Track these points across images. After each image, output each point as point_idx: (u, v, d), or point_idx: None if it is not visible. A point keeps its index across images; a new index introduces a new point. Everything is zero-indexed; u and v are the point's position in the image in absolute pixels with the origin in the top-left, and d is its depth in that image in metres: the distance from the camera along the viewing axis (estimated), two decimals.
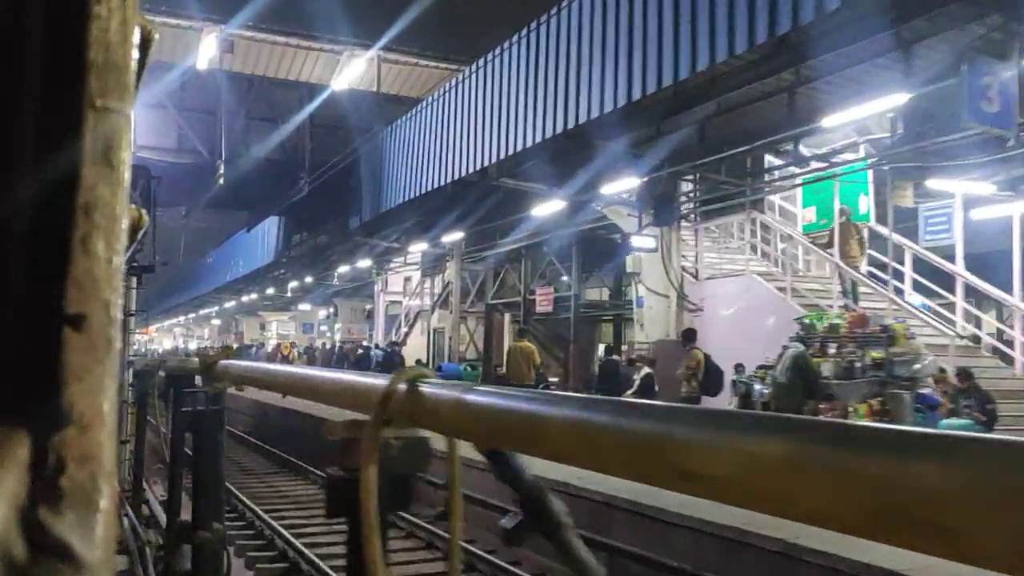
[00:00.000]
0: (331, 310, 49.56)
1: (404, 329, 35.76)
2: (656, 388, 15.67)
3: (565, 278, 26.20)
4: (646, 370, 16.00)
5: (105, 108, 0.53)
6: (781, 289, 17.26)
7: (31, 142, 0.51)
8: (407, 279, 37.01)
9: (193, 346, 71.12)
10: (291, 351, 35.19)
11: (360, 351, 32.93)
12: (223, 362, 3.21)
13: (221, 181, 24.94)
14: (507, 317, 29.24)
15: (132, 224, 0.60)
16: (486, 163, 17.61)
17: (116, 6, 0.54)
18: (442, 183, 19.61)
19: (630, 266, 18.94)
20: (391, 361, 27.19)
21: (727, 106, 13.99)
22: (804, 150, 15.79)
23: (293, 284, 41.60)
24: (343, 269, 35.31)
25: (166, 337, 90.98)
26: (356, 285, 39.00)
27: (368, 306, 43.13)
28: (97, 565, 0.49)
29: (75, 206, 0.52)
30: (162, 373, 4.52)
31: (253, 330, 63.59)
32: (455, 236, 25.41)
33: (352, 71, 25.53)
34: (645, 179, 16.53)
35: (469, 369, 27.21)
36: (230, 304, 55.96)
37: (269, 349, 47.12)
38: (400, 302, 37.69)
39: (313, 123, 27.61)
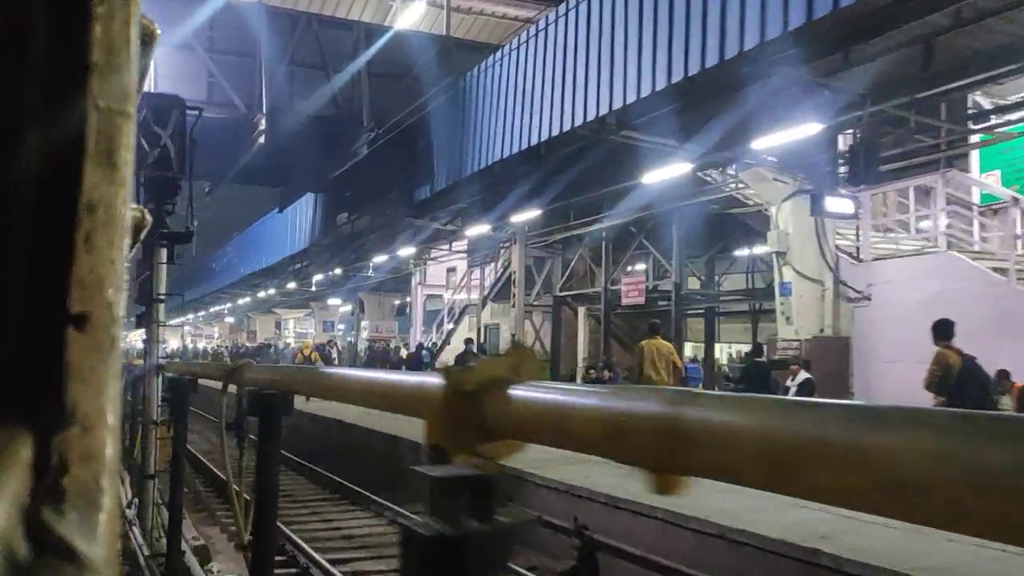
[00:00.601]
0: (356, 306, 45.34)
1: (448, 325, 32.31)
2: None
3: (663, 263, 23.11)
4: (803, 375, 13.01)
5: (108, 108, 0.53)
6: (999, 271, 13.32)
7: (34, 142, 0.51)
8: (451, 270, 34.00)
9: (202, 346, 65.70)
10: (313, 353, 30.74)
11: (409, 351, 29.66)
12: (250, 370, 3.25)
13: (262, 140, 19.84)
14: (582, 311, 25.89)
15: (135, 224, 0.60)
16: (602, 111, 13.83)
17: (118, 6, 0.54)
18: (543, 137, 15.68)
19: (773, 243, 15.36)
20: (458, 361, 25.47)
21: (968, 17, 10.32)
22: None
23: (318, 277, 37.11)
24: (380, 259, 31.04)
25: (173, 337, 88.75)
26: (386, 278, 35.02)
27: (397, 301, 40.48)
28: (100, 565, 0.49)
29: (78, 206, 0.52)
30: (232, 388, 3.70)
31: (267, 329, 59.05)
32: (525, 215, 21.55)
33: (413, 11, 21.15)
34: (824, 126, 12.87)
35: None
36: (244, 301, 52.10)
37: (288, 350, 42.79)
38: (440, 296, 34.77)
39: (371, 72, 21.96)
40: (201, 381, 7.67)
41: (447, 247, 30.18)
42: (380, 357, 32.20)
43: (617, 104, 13.42)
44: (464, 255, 30.56)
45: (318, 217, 28.02)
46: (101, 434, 0.52)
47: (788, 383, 13.07)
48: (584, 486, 9.34)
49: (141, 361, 9.26)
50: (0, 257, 0.50)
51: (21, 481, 0.48)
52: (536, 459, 9.29)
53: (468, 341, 24.50)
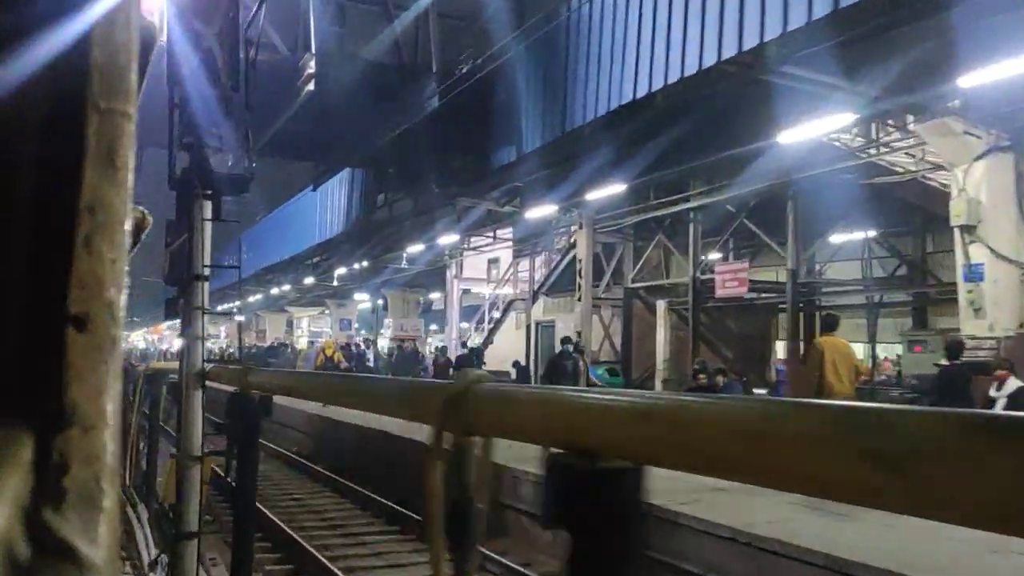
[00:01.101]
0: (375, 303, 42.26)
1: (488, 323, 28.80)
2: None
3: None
4: (1013, 382, 10.08)
5: (108, 109, 0.53)
6: None
7: (35, 143, 0.51)
8: (492, 262, 30.18)
9: (208, 347, 66.15)
10: (337, 354, 26.78)
11: (462, 351, 25.28)
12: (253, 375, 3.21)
13: (311, 86, 16.00)
14: (662, 305, 21.42)
15: (136, 224, 0.60)
16: (750, 44, 10.38)
17: (119, 8, 0.54)
18: (660, 84, 11.89)
19: (959, 215, 12.14)
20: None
21: None
22: None
23: (340, 271, 32.65)
24: (415, 249, 26.07)
25: (177, 337, 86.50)
26: (419, 271, 30.77)
27: (422, 297, 37.43)
28: (101, 565, 0.50)
29: (78, 207, 0.52)
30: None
31: (278, 328, 55.24)
32: (605, 190, 17.31)
33: None
34: None
35: (607, 374, 20.91)
36: (255, 298, 47.66)
37: (304, 351, 37.62)
38: (471, 290, 31.47)
39: (439, 13, 17.57)
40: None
41: (490, 235, 26.17)
42: (412, 360, 27.14)
43: (773, 33, 10.20)
44: (508, 244, 26.69)
45: (355, 197, 23.24)
46: (101, 434, 0.52)
47: (993, 393, 10.19)
48: (775, 536, 6.21)
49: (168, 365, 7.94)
50: (1, 257, 0.50)
51: (22, 481, 0.48)
52: (674, 489, 7.02)
53: (565, 340, 18.85)
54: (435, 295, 37.59)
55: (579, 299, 20.90)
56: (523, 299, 26.56)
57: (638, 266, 22.86)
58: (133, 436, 9.44)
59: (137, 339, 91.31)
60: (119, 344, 0.53)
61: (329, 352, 26.17)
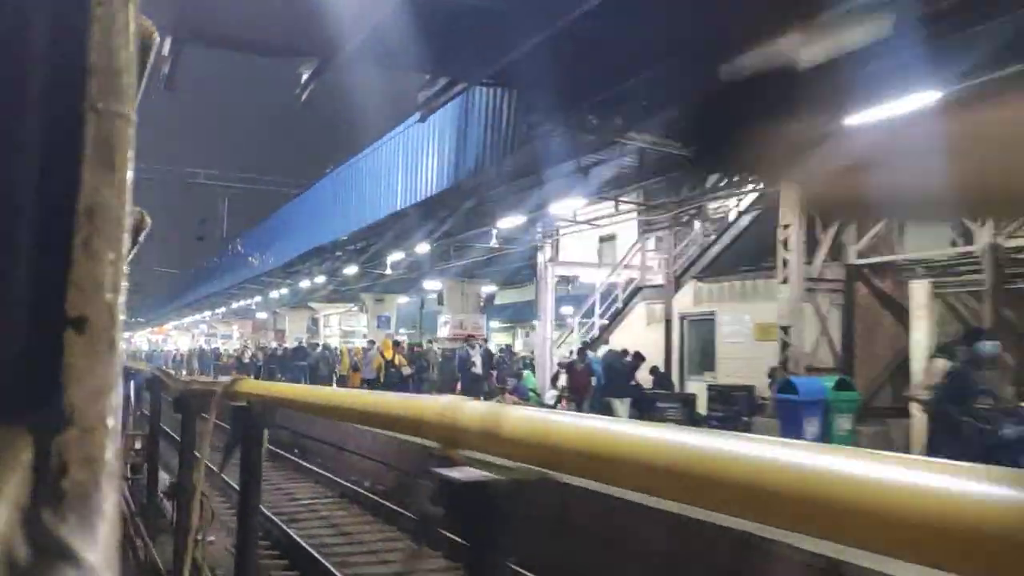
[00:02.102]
0: (421, 298, 38.10)
1: (602, 316, 22.13)
2: None
3: None
4: None
5: (106, 111, 0.53)
6: None
7: (33, 145, 0.52)
8: (606, 239, 24.37)
9: (219, 348, 54.76)
10: (398, 356, 22.29)
11: (611, 356, 17.98)
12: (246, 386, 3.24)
13: None
14: (920, 288, 14.26)
15: (135, 226, 0.60)
16: None
17: (117, 8, 0.54)
18: None
19: None
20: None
21: None
22: None
23: (395, 257, 25.43)
24: (507, 223, 19.73)
25: (183, 336, 76.73)
26: (485, 257, 25.03)
27: (486, 288, 32.56)
28: (100, 567, 0.50)
29: (77, 209, 0.52)
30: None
31: (299, 327, 48.37)
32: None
33: None
34: None
35: (838, 391, 12.87)
36: (280, 292, 40.98)
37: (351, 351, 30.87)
38: (575, 277, 25.49)
39: None
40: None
41: (610, 203, 19.69)
42: (463, 365, 21.58)
43: None
44: (633, 213, 20.68)
45: (511, 119, 14.42)
46: (100, 436, 0.52)
47: None
48: None
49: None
50: (1, 260, 0.51)
51: (21, 483, 0.49)
52: None
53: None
54: (488, 287, 32.77)
55: (783, 281, 14.69)
56: (654, 286, 20.79)
57: (866, 236, 15.55)
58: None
59: (140, 340, 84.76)
60: (118, 346, 0.53)
61: (388, 354, 21.58)
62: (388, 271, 27.63)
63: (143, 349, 74.39)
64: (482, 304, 32.59)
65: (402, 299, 39.65)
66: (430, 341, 28.50)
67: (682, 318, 19.29)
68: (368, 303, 37.86)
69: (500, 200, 19.07)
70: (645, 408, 16.04)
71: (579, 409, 16.26)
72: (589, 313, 22.94)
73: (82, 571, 0.49)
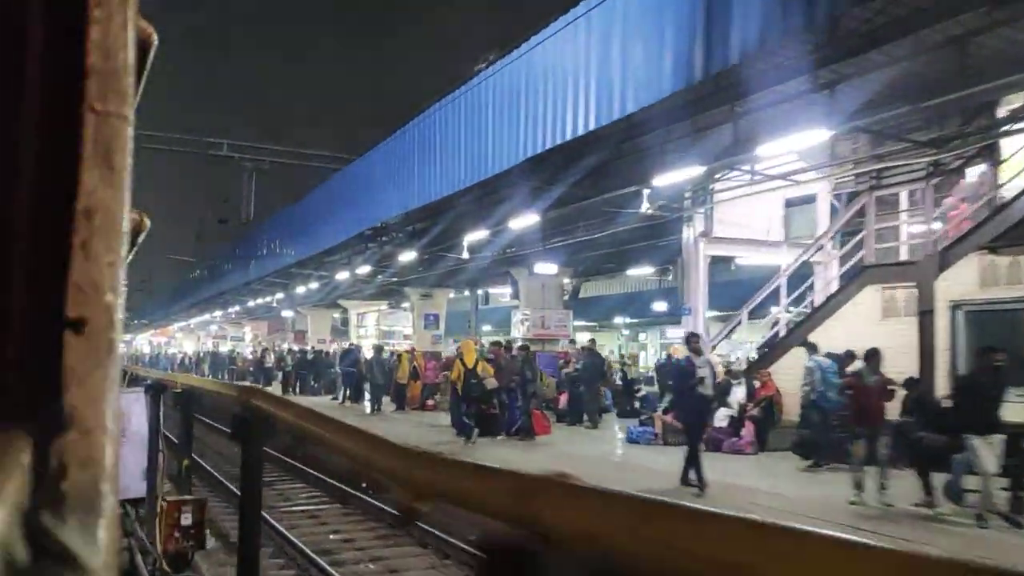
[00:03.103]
0: (473, 296, 33.52)
1: (808, 306, 17.23)
2: None
3: None
4: None
5: (105, 112, 0.53)
6: None
7: (31, 146, 0.52)
8: (794, 204, 18.47)
9: (233, 351, 50.52)
10: (482, 363, 17.08)
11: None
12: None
13: None
14: None
15: (134, 227, 0.60)
16: None
17: (116, 10, 0.54)
18: None
19: None
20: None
21: None
22: None
23: (475, 237, 19.57)
24: (673, 178, 14.01)
25: (188, 339, 71.71)
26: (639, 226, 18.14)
27: (570, 281, 27.12)
28: (99, 569, 0.50)
29: (75, 210, 0.52)
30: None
31: (323, 328, 41.84)
32: None
33: None
34: None
35: None
36: (305, 288, 33.47)
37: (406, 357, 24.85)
38: (732, 257, 20.04)
39: None
40: None
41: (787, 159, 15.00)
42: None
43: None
44: (822, 171, 15.83)
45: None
46: (100, 438, 0.52)
47: None
48: None
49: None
50: None
51: (21, 485, 0.49)
52: None
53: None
54: (564, 278, 26.44)
55: None
56: (880, 265, 15.45)
57: None
58: None
59: (140, 343, 79.88)
60: (117, 348, 0.53)
61: (470, 360, 16.57)
62: (464, 255, 20.69)
63: (144, 352, 69.78)
64: (566, 297, 26.81)
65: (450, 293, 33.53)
66: (525, 345, 19.73)
67: (954, 307, 13.38)
68: (413, 299, 31.87)
69: (659, 147, 13.93)
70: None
71: (872, 448, 10.18)
72: (759, 305, 18.09)
73: (82, 572, 0.49)
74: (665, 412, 15.59)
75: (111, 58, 0.54)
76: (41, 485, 0.50)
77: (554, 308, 25.44)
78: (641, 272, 30.69)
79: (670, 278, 28.11)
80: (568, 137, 12.43)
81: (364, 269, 26.19)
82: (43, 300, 0.51)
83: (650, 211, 15.72)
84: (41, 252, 0.51)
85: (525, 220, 17.37)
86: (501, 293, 35.12)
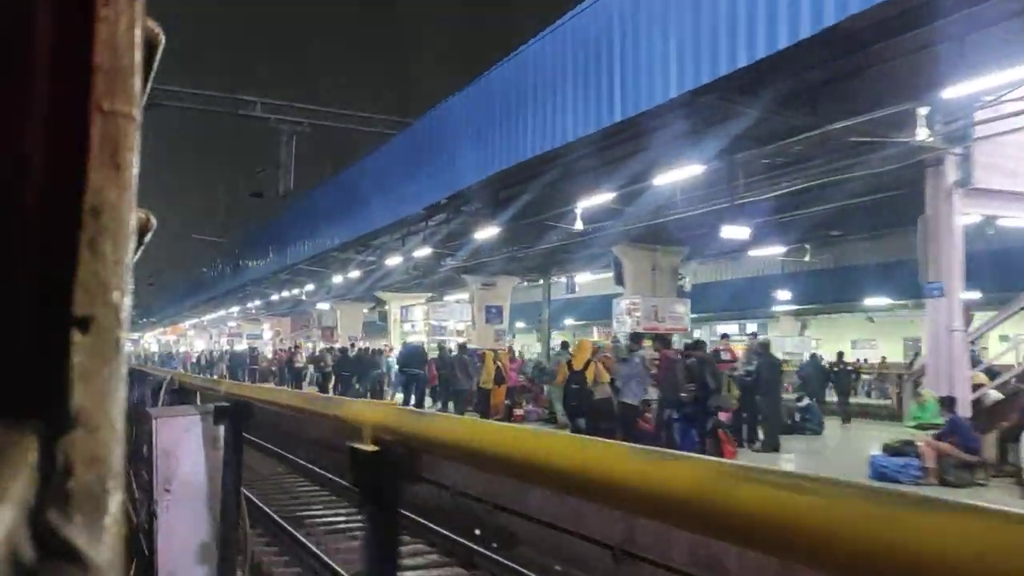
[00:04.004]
0: (559, 283, 29.35)
1: None
2: None
3: None
4: None
5: (112, 111, 0.53)
6: None
7: (38, 145, 0.52)
8: None
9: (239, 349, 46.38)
10: (595, 366, 14.78)
11: None
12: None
13: None
14: None
15: (140, 226, 0.60)
16: None
17: (123, 8, 0.54)
18: None
19: None
20: None
21: None
22: None
23: (599, 200, 15.68)
24: (962, 90, 9.63)
25: (199, 338, 68.01)
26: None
27: (682, 260, 21.95)
28: (106, 567, 0.50)
29: (82, 209, 0.52)
30: None
31: (353, 324, 37.74)
32: None
33: None
34: None
35: None
36: (341, 277, 29.15)
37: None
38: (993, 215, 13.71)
39: None
40: None
41: None
42: None
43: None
44: None
45: None
46: (106, 436, 0.52)
47: None
48: None
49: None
50: (5, 260, 0.51)
51: (27, 484, 0.49)
52: None
53: None
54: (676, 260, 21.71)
55: None
56: None
57: None
58: None
59: (151, 340, 78.29)
60: (123, 346, 0.53)
61: (579, 362, 14.10)
62: (577, 225, 16.34)
63: (153, 351, 67.32)
64: (681, 284, 22.43)
65: (520, 281, 29.16)
66: (698, 342, 15.79)
67: None
68: (473, 289, 27.27)
69: (956, 37, 9.14)
70: None
71: None
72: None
73: (88, 571, 0.49)
74: (940, 436, 11.09)
75: (119, 57, 0.54)
76: (47, 483, 0.50)
77: (666, 295, 20.76)
78: (768, 252, 23.47)
79: (807, 259, 22.75)
80: (783, 45, 8.47)
81: (421, 252, 21.78)
82: (49, 298, 0.51)
83: (929, 139, 11.12)
84: (48, 250, 0.51)
85: (680, 172, 12.91)
86: (562, 283, 30.98)
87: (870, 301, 29.55)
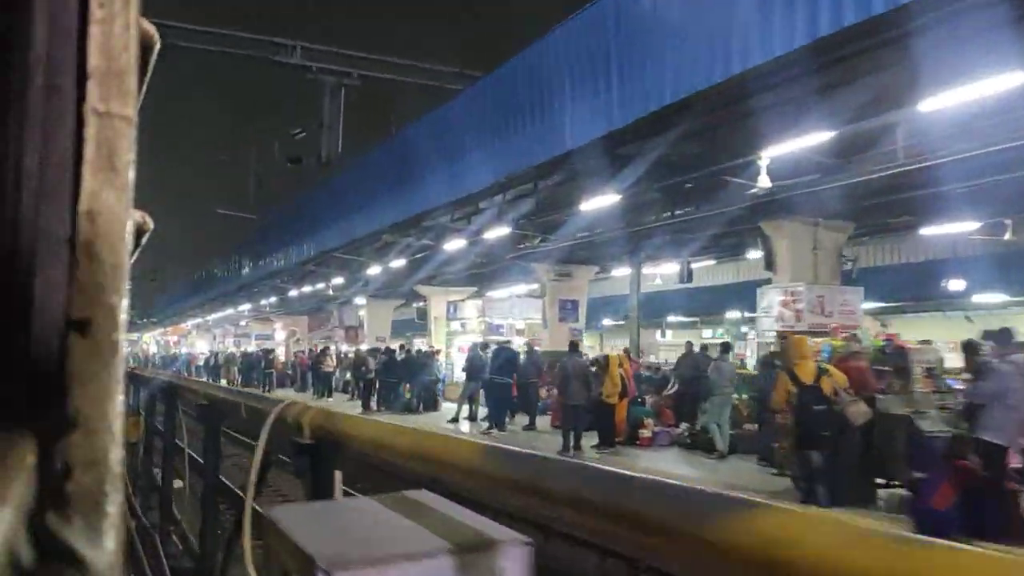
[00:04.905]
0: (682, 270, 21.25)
1: None
2: None
3: None
4: None
5: (108, 113, 0.53)
6: None
7: (35, 147, 0.52)
8: None
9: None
10: (837, 375, 9.39)
11: None
12: None
13: None
14: None
15: (137, 228, 0.60)
16: None
17: (118, 11, 0.54)
18: None
19: None
20: None
21: None
22: None
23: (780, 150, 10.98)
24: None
25: (202, 339, 65.40)
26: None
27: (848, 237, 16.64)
28: (105, 570, 0.50)
29: (79, 212, 0.52)
30: None
31: (382, 323, 33.40)
32: None
33: None
34: None
35: None
36: (381, 268, 23.87)
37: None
38: None
39: None
40: None
41: None
42: None
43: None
44: None
45: None
46: (104, 439, 0.52)
47: None
48: None
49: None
50: (3, 264, 0.51)
51: (26, 486, 0.49)
52: None
53: None
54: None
55: None
56: None
57: None
58: None
59: (150, 342, 72.94)
60: (121, 348, 0.53)
61: (807, 373, 9.61)
62: (762, 181, 12.03)
63: (152, 352, 62.85)
64: (848, 269, 17.68)
65: (618, 271, 24.26)
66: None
67: None
68: (545, 280, 23.06)
69: None
70: None
71: None
72: None
73: (87, 572, 0.49)
74: None
75: (114, 59, 0.54)
76: (46, 486, 0.50)
77: (829, 279, 16.05)
78: (952, 229, 18.32)
79: (1008, 236, 16.98)
80: None
81: (497, 232, 17.30)
82: (47, 302, 0.51)
83: None
84: (45, 254, 0.51)
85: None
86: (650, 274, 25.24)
87: None
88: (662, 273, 25.51)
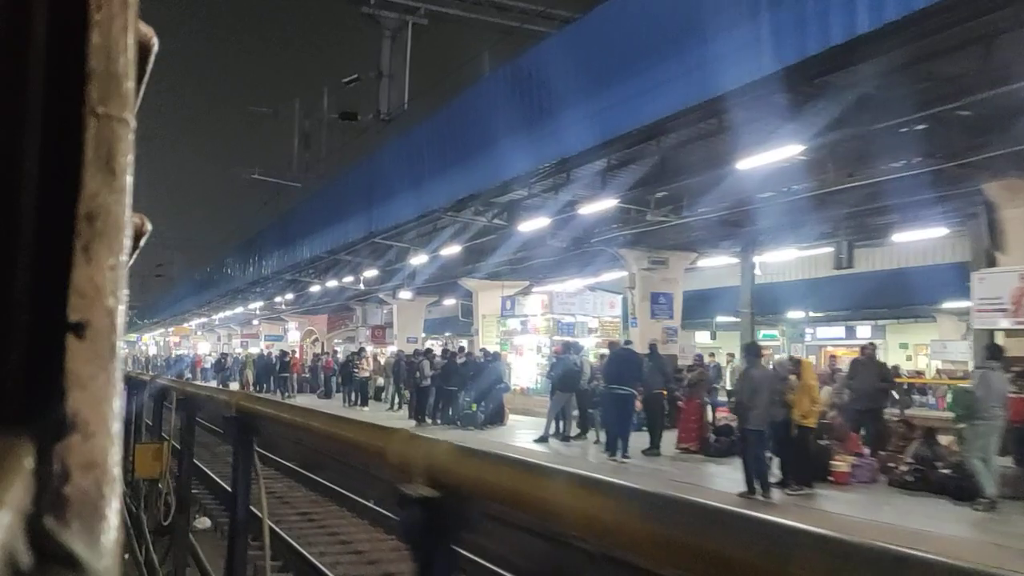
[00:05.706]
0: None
1: None
2: None
3: None
4: None
5: (106, 115, 0.53)
6: None
7: (33, 150, 0.52)
8: None
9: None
10: None
11: None
12: None
13: None
14: None
15: (135, 231, 0.60)
16: None
17: (116, 13, 0.54)
18: None
19: None
20: None
21: None
22: None
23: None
24: None
25: (205, 340, 62.05)
26: None
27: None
28: (103, 573, 0.50)
29: (77, 214, 0.52)
30: None
31: (412, 322, 30.34)
32: None
33: None
34: None
35: None
36: (427, 256, 20.29)
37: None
38: None
39: None
40: None
41: None
42: None
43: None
44: None
45: None
46: (103, 441, 0.52)
47: None
48: None
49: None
50: (1, 266, 0.51)
51: (23, 489, 0.49)
52: None
53: None
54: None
55: None
56: None
57: None
58: None
59: (150, 343, 73.88)
60: (119, 351, 0.53)
61: None
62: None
63: (153, 354, 60.89)
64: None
65: (719, 259, 20.34)
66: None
67: None
68: (635, 269, 19.02)
69: None
70: None
71: None
72: None
73: None
74: None
75: (112, 61, 0.54)
76: (44, 489, 0.50)
77: None
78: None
79: None
80: None
81: (602, 205, 14.44)
82: (45, 303, 0.51)
83: None
84: (43, 256, 0.52)
85: None
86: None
87: None
88: (765, 261, 20.73)
